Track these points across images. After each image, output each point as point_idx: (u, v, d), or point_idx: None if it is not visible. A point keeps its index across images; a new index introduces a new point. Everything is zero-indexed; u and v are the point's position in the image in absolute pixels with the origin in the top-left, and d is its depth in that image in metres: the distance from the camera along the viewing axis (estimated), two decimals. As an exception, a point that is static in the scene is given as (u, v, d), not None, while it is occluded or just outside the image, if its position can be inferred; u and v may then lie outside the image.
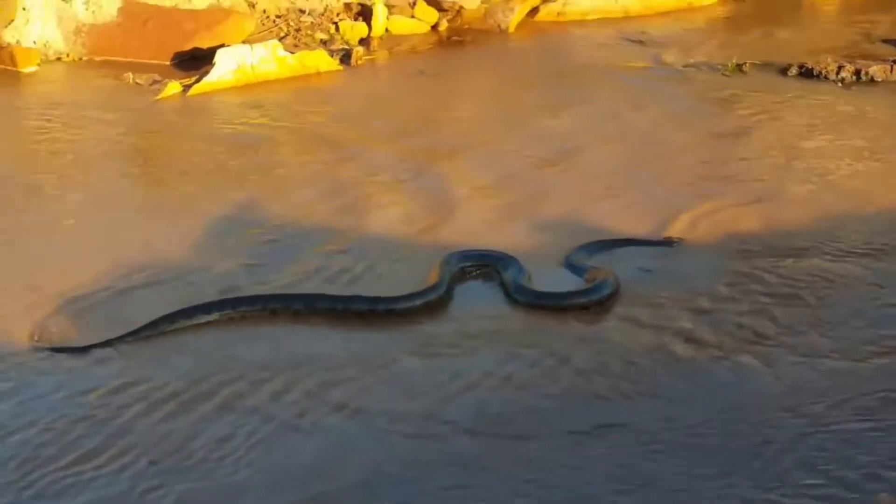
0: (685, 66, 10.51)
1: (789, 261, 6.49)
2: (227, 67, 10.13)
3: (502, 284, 6.29)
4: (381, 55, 11.27)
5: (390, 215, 7.39)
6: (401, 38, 11.77)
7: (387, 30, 11.90)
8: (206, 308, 6.02)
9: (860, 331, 5.71)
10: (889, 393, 5.14)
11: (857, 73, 9.91)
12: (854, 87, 9.77)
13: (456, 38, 11.88)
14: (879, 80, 9.85)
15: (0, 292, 6.31)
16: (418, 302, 6.07)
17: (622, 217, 7.19)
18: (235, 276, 6.50)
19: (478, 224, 7.18)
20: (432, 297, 6.11)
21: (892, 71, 9.90)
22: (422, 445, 4.86)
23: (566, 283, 6.30)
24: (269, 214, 7.38)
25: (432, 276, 6.30)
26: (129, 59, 10.95)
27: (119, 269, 6.57)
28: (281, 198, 7.67)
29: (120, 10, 11.31)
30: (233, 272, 6.56)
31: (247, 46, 10.41)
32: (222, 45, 10.51)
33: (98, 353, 5.67)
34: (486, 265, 6.48)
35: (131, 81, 10.31)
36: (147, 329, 5.84)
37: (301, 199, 7.65)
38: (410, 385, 5.34)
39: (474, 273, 6.46)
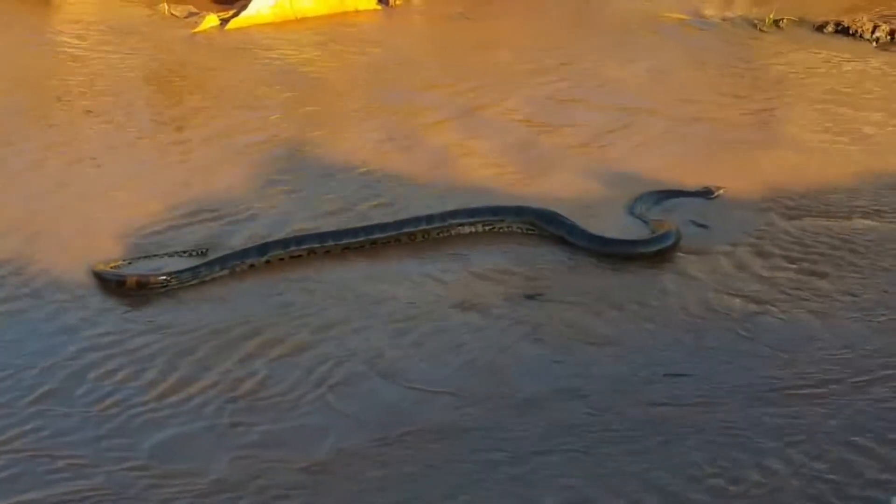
0: (723, 19, 10.50)
1: (836, 219, 6.55)
2: (266, 2, 10.09)
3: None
4: (416, -5, 11.22)
5: (451, 158, 7.39)
6: (436, -20, 11.69)
7: (421, -30, 11.80)
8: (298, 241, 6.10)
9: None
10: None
11: (892, 33, 9.93)
12: (888, 47, 9.78)
13: (491, -20, 11.79)
14: (915, 40, 9.90)
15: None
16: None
17: (672, 169, 7.24)
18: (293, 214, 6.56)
19: (523, 172, 7.23)
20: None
21: (926, 32, 9.94)
22: None
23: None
24: (319, 152, 7.41)
25: None
26: (162, -11, 10.87)
27: (161, 208, 6.62)
28: (330, 137, 7.69)
29: (154, -62, 11.21)
30: (288, 210, 6.62)
31: (285, -19, 10.37)
32: (260, -20, 10.44)
33: (172, 292, 5.73)
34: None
35: (167, 13, 10.25)
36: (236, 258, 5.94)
37: (353, 139, 7.67)
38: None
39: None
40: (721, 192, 6.87)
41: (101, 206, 6.68)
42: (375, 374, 5.05)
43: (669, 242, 6.18)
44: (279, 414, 4.79)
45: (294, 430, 4.70)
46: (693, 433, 4.64)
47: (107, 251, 6.10)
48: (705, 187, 6.94)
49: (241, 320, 5.44)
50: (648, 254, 6.12)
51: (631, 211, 6.65)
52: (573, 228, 6.25)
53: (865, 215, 6.60)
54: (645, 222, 6.49)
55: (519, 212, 6.38)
